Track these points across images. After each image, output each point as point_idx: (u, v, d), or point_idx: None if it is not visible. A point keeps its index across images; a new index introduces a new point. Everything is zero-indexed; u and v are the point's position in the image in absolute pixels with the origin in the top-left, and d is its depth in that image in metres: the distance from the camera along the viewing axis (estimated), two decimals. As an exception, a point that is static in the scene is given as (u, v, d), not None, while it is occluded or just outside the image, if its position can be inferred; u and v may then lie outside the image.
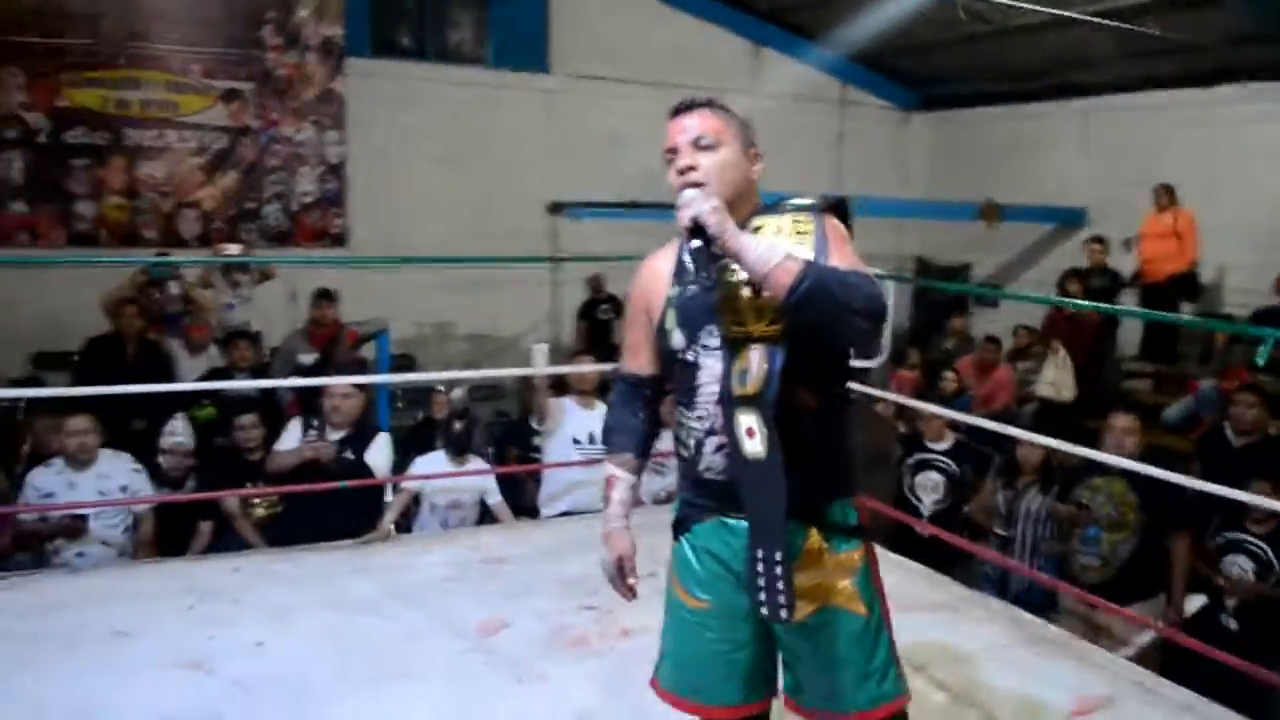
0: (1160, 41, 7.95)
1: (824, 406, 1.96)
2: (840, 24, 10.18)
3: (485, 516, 4.92)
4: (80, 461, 4.39)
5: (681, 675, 2.09)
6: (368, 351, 7.07)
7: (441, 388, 7.22)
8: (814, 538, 1.98)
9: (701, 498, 2.03)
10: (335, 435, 4.54)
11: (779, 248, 1.80)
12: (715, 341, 1.93)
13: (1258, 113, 8.54)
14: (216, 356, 6.48)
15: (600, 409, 4.79)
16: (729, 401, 1.89)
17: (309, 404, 5.19)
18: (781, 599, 1.87)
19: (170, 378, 6.14)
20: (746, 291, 1.87)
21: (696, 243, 1.85)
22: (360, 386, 4.86)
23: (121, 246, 8.84)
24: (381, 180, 9.86)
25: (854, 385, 5.01)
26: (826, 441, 1.98)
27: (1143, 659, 3.98)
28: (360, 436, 4.61)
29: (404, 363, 9.13)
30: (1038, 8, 8.10)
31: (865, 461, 5.95)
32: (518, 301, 10.17)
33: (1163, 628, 3.95)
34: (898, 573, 4.07)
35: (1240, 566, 4.27)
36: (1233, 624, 4.26)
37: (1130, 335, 8.88)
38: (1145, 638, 4.12)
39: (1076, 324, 7.76)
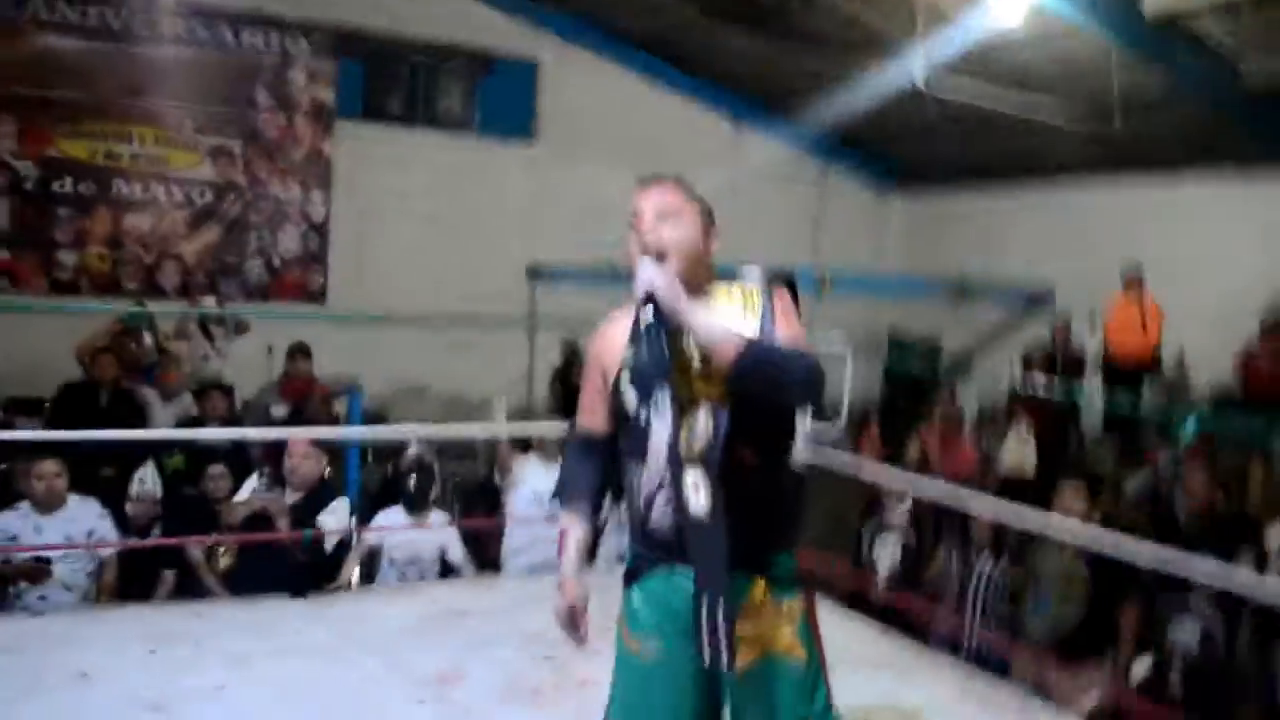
0: (1127, 136, 8.25)
1: (768, 465, 2.08)
2: (819, 107, 10.49)
3: (448, 573, 4.96)
4: (47, 505, 4.43)
5: None
6: (340, 408, 7.13)
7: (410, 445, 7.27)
8: (759, 588, 2.08)
9: (651, 549, 2.13)
10: (293, 497, 4.54)
11: (725, 322, 1.95)
12: (666, 403, 2.04)
13: (1219, 201, 8.84)
14: (190, 406, 6.53)
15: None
16: (676, 461, 2.01)
17: (277, 457, 5.24)
18: (723, 648, 1.97)
19: (143, 426, 6.18)
20: (696, 358, 2.01)
21: (650, 311, 1.98)
22: (324, 446, 4.89)
23: (102, 295, 8.90)
24: (364, 240, 10.00)
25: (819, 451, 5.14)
26: (770, 497, 2.10)
27: (1091, 722, 4.07)
28: (317, 499, 4.59)
29: (377, 420, 9.18)
30: (1005, 111, 8.40)
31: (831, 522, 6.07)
32: (493, 364, 10.25)
33: (1108, 691, 4.03)
34: (850, 631, 4.16)
35: (1186, 633, 4.37)
36: (1178, 688, 4.34)
37: (1094, 411, 9.05)
38: (1093, 700, 4.19)
39: (1040, 400, 7.92)
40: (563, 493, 2.29)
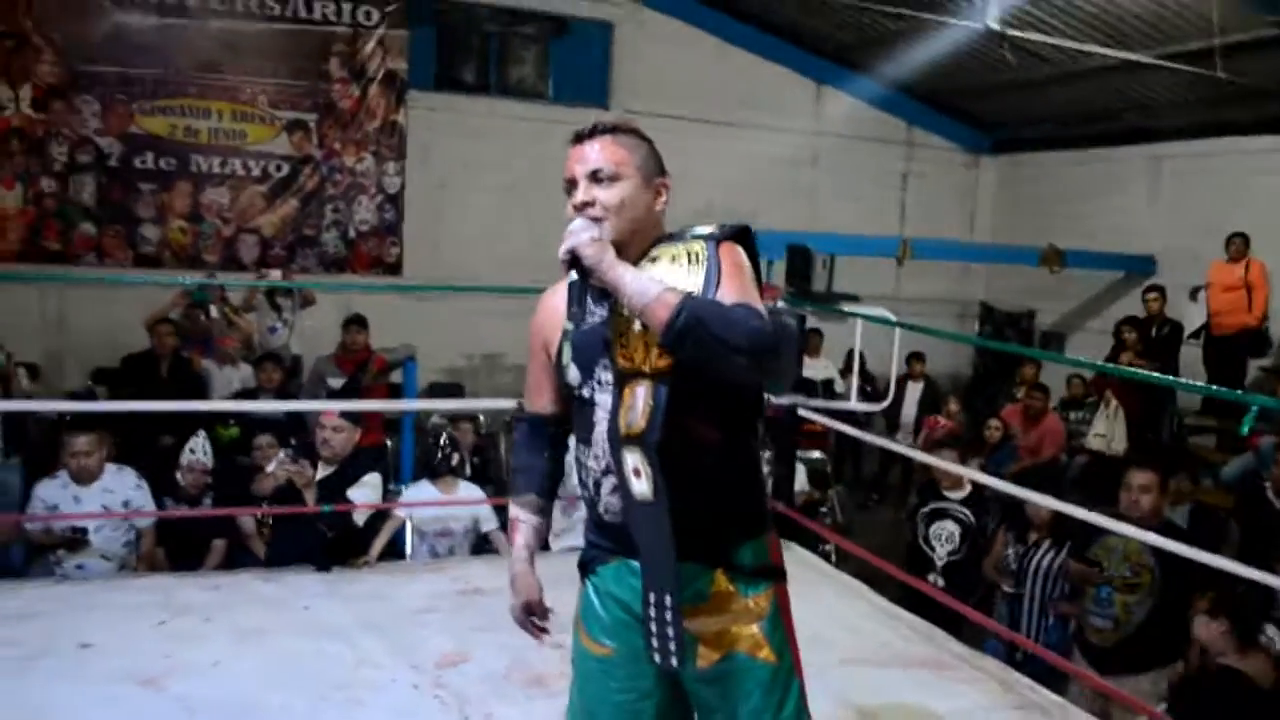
0: (1230, 86, 7.63)
1: (727, 443, 1.88)
2: (901, 62, 10.04)
3: (485, 546, 4.86)
4: (83, 477, 4.46)
5: None
6: (399, 379, 7.11)
7: (481, 416, 7.21)
8: (720, 581, 1.90)
9: (603, 539, 1.97)
10: (324, 470, 4.44)
11: (658, 280, 1.75)
12: (610, 377, 1.86)
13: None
14: (250, 378, 6.59)
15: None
16: (616, 441, 1.83)
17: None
18: (671, 645, 1.81)
19: (202, 396, 6.27)
20: (637, 325, 1.81)
21: (574, 276, 1.80)
22: (384, 418, 4.78)
23: (184, 269, 9.09)
24: (438, 210, 10.00)
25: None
26: (731, 479, 1.91)
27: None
28: (348, 472, 4.43)
29: (454, 391, 9.28)
30: (1094, 49, 7.85)
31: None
32: (568, 333, 10.16)
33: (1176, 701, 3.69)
34: (890, 625, 3.91)
35: (1268, 636, 3.98)
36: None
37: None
38: (1159, 708, 3.87)
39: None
40: (512, 482, 2.13)
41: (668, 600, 1.80)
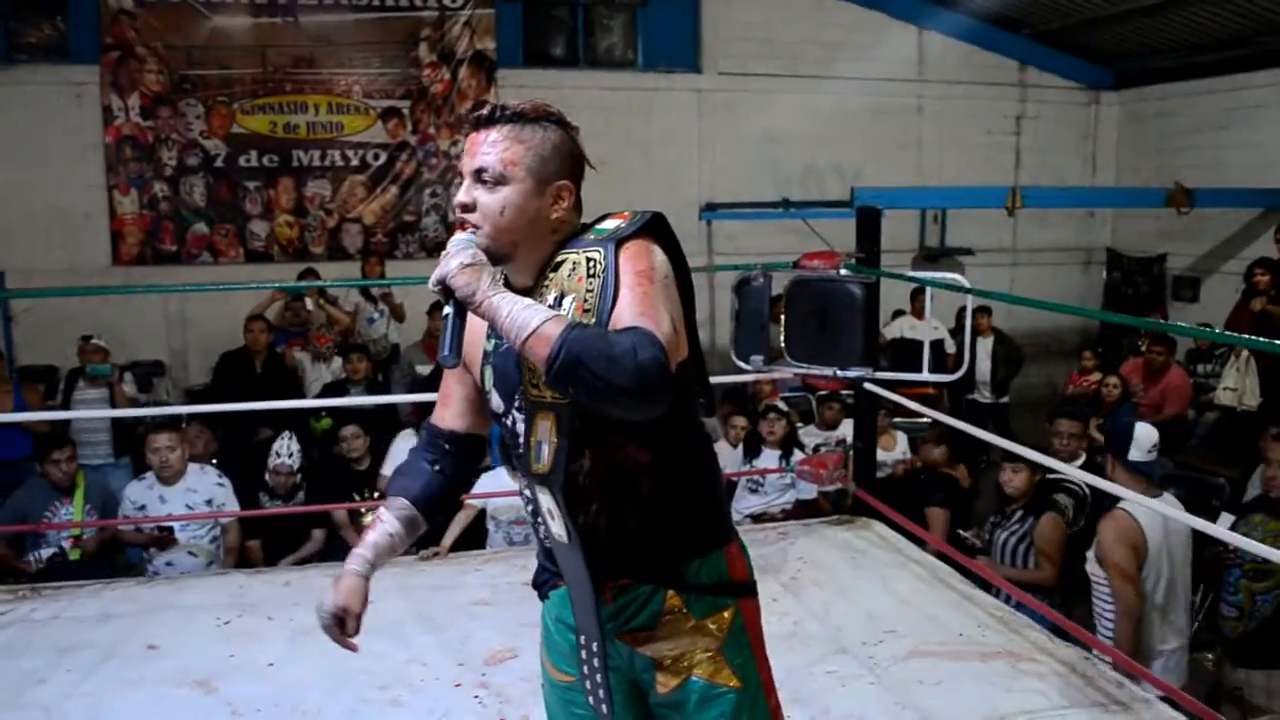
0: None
1: (659, 458, 1.71)
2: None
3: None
4: (167, 476, 4.61)
5: None
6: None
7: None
8: (672, 601, 1.75)
9: (550, 563, 1.85)
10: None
11: (541, 309, 1.54)
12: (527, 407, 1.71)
13: None
14: (340, 369, 6.71)
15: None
16: (528, 478, 1.71)
17: (422, 414, 5.23)
18: (601, 693, 1.72)
19: (296, 390, 6.42)
20: None
21: (448, 309, 1.61)
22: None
23: (291, 262, 9.34)
24: (534, 188, 9.98)
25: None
26: (671, 495, 1.73)
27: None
28: None
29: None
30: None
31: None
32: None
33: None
34: (970, 613, 3.67)
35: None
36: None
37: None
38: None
39: (1265, 323, 6.83)
40: (391, 482, 1.94)
41: (594, 645, 1.70)
